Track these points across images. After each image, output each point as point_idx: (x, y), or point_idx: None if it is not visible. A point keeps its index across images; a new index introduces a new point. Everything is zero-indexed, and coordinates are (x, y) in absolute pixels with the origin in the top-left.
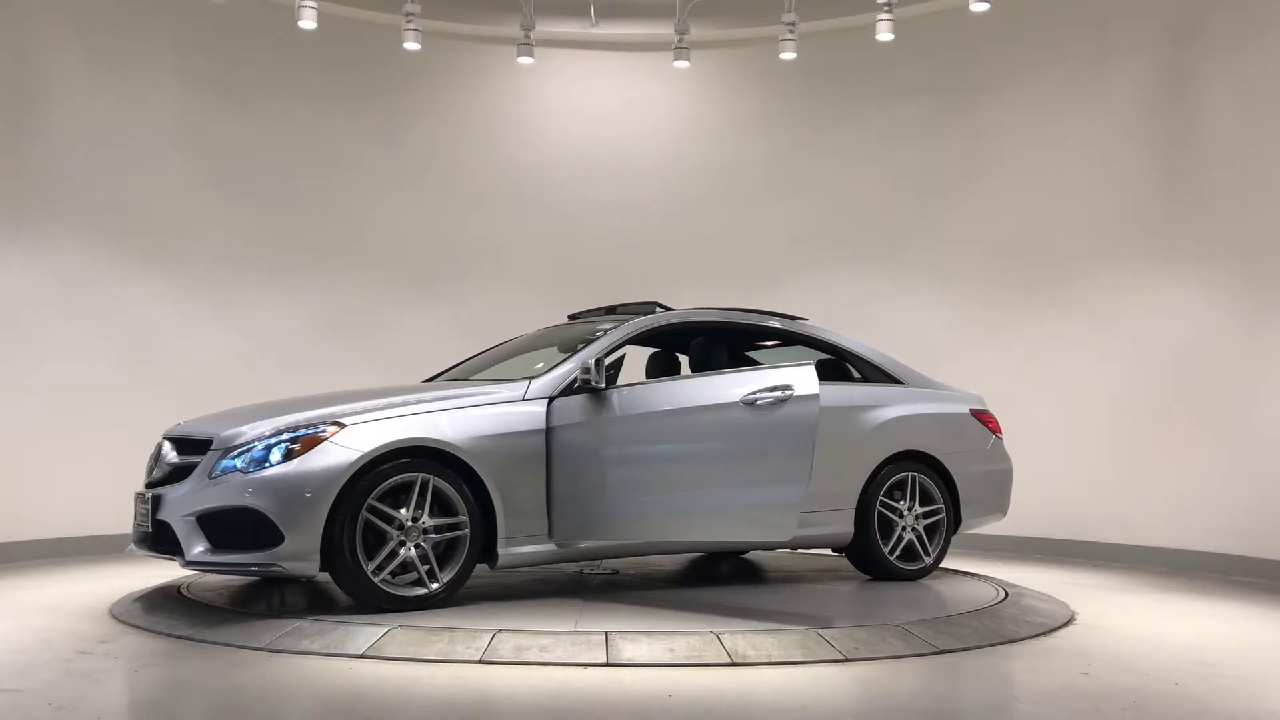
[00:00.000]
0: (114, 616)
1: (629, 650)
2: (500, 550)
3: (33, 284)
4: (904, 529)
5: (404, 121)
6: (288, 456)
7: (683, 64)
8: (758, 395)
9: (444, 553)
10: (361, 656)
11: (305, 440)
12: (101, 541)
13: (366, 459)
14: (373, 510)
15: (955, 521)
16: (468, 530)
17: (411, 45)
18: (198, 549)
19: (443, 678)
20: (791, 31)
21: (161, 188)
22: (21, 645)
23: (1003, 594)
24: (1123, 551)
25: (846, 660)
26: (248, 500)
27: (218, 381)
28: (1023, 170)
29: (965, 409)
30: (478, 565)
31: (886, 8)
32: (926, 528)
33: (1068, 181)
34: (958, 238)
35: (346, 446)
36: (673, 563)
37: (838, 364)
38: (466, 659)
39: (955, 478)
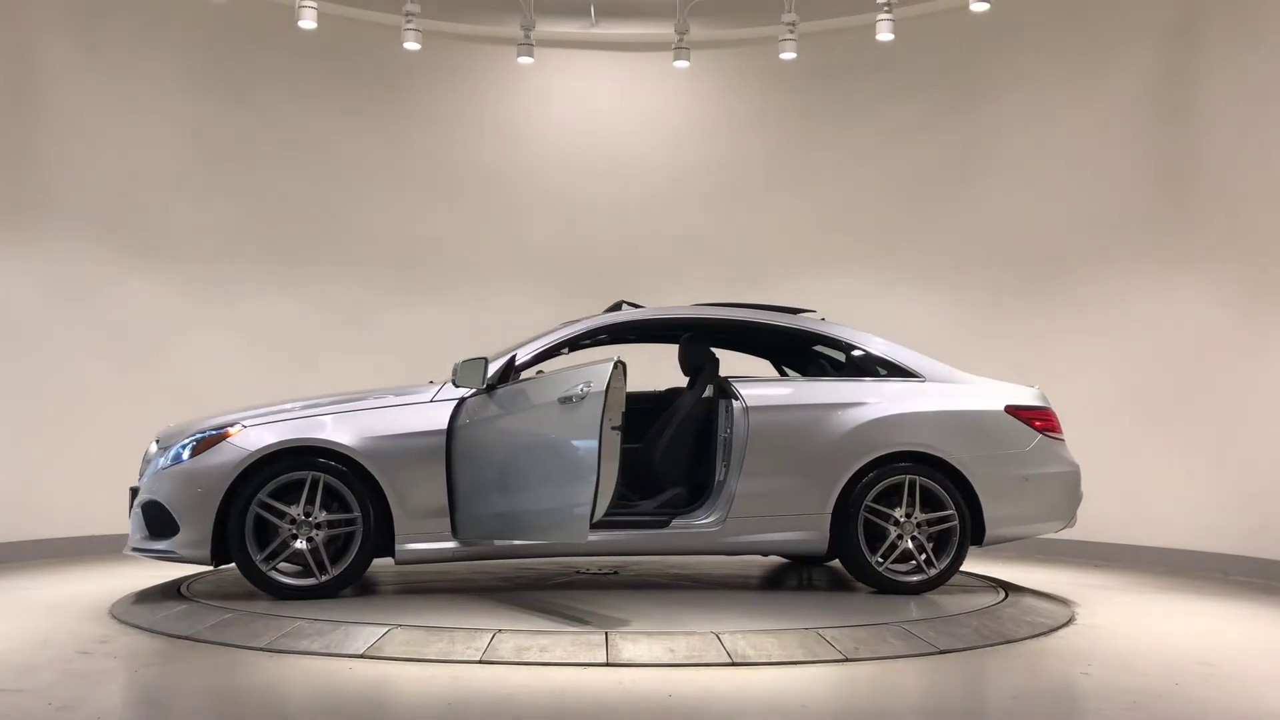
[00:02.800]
0: (114, 616)
1: (629, 650)
2: (397, 547)
3: (32, 284)
4: (899, 537)
5: (404, 121)
6: (193, 454)
7: (683, 64)
8: (571, 393)
9: (344, 547)
10: (361, 656)
11: (208, 440)
12: (101, 541)
13: (254, 458)
14: (265, 505)
15: (977, 531)
16: (359, 526)
17: (411, 45)
18: (137, 536)
19: (443, 678)
20: (791, 31)
21: (162, 188)
22: (21, 645)
23: (1003, 594)
24: (1123, 551)
25: (846, 660)
26: (155, 494)
27: (218, 381)
28: (1022, 169)
29: (998, 405)
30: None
31: (886, 8)
32: (932, 537)
33: (1067, 181)
34: (957, 237)
35: (239, 446)
36: (673, 563)
37: (846, 359)
38: (466, 659)
39: (974, 481)
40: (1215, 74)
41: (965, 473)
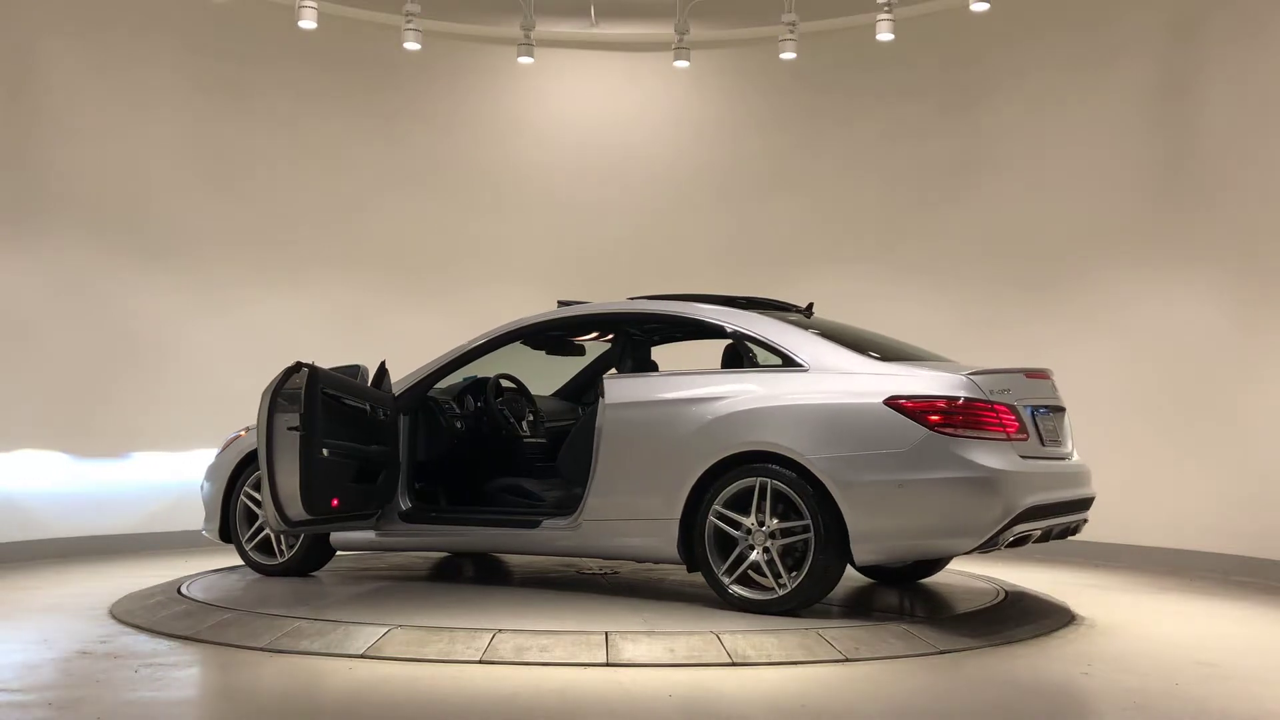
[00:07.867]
0: (114, 616)
1: (629, 650)
2: (330, 535)
3: (34, 284)
4: (749, 548)
5: (404, 121)
6: (221, 450)
7: (683, 64)
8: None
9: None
10: (361, 656)
11: (232, 439)
12: (101, 541)
13: (242, 454)
14: (249, 496)
15: (838, 543)
16: None
17: (411, 45)
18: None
19: (443, 678)
20: (791, 31)
21: (162, 188)
22: (21, 645)
23: (1003, 594)
24: (1123, 551)
25: (846, 660)
26: (202, 483)
27: (218, 381)
28: (1022, 170)
29: (875, 398)
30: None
31: (886, 8)
32: (792, 550)
33: (1067, 181)
34: (957, 237)
35: (239, 446)
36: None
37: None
38: (466, 659)
39: (830, 487)
40: (1216, 73)
41: (819, 476)
